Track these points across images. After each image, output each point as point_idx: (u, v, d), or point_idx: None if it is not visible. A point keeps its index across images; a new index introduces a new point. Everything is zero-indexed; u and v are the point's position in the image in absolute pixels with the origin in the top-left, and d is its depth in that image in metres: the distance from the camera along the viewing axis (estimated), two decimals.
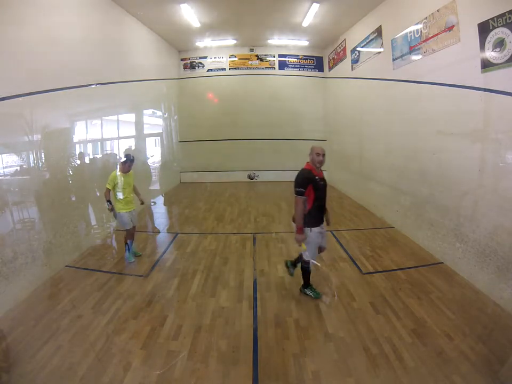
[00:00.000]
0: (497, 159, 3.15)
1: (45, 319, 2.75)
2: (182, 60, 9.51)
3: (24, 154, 3.49)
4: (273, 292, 3.21)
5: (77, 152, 4.60)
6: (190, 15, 6.45)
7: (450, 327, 2.61)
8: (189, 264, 3.88)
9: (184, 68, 9.55)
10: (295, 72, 9.54)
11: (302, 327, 2.64)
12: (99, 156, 5.43)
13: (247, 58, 9.46)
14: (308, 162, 2.92)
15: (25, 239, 3.29)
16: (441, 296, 3.10)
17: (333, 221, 3.33)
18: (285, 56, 9.45)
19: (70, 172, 4.36)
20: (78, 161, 4.53)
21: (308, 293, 3.11)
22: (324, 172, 2.96)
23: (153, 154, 8.01)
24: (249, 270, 3.69)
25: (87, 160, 4.86)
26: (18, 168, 3.36)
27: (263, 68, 9.50)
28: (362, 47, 6.66)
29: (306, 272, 3.07)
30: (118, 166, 3.81)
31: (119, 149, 5.95)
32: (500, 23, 2.94)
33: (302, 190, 2.76)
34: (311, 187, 2.78)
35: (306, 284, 3.13)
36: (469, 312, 2.83)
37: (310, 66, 9.56)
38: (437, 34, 3.99)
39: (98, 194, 3.64)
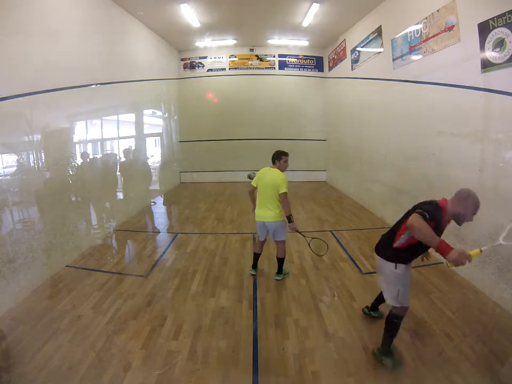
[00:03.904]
0: (497, 159, 3.14)
1: (45, 319, 2.74)
2: (182, 60, 9.50)
3: (24, 154, 3.49)
4: (273, 292, 3.21)
5: (77, 152, 4.60)
6: (190, 15, 6.45)
7: (450, 327, 2.61)
8: (189, 264, 3.88)
9: (184, 68, 9.55)
10: (295, 72, 9.54)
11: (302, 327, 2.64)
12: (99, 155, 5.44)
13: (247, 58, 9.45)
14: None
15: (25, 239, 3.28)
16: (441, 296, 3.10)
17: None
18: (285, 56, 9.44)
19: (70, 171, 4.35)
20: (78, 161, 4.52)
21: (386, 363, 2.15)
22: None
23: (153, 154, 8.01)
24: (249, 270, 3.69)
25: (87, 160, 4.86)
26: (18, 168, 3.36)
27: (263, 68, 9.49)
28: (362, 47, 6.66)
29: (396, 329, 2.17)
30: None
31: (119, 149, 5.96)
32: (500, 23, 2.94)
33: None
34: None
35: (388, 349, 2.18)
36: (469, 312, 2.83)
37: (310, 66, 9.55)
38: (437, 34, 3.99)
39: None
